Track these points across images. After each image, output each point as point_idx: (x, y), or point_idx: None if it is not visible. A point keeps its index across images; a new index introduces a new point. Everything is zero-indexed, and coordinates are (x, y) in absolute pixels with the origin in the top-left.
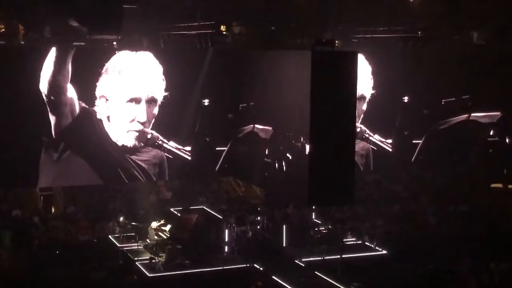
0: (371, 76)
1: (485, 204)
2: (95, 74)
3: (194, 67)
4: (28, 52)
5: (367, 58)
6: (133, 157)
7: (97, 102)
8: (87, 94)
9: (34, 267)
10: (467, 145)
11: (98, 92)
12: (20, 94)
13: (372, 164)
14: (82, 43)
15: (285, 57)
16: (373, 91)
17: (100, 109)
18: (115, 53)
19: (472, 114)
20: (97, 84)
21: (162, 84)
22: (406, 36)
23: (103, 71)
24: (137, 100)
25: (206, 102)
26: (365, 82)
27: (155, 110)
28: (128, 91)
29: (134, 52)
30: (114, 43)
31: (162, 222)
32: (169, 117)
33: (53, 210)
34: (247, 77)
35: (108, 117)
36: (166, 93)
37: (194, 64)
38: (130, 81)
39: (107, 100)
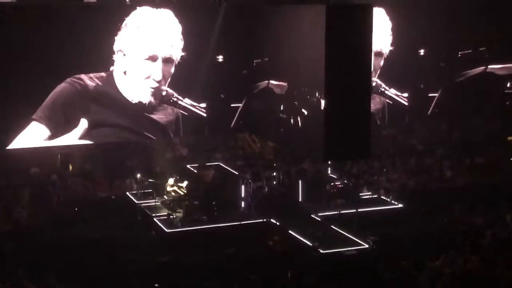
0: (391, 32)
1: (501, 156)
2: (114, 29)
3: (207, 23)
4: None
5: (387, 13)
6: (150, 114)
7: (115, 56)
8: (105, 50)
9: (52, 224)
10: (483, 98)
11: (116, 47)
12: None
13: (387, 118)
14: (94, 1)
15: (300, 11)
16: (391, 48)
17: (117, 64)
18: (135, 8)
19: (489, 66)
20: (115, 38)
21: (180, 43)
22: None
23: (123, 25)
24: (153, 58)
25: (220, 58)
26: (384, 37)
27: (172, 70)
28: (145, 48)
29: (155, 8)
30: (127, 0)
31: (178, 178)
32: (184, 74)
33: (70, 167)
34: (261, 32)
35: (124, 72)
36: (183, 53)
37: (207, 20)
38: (147, 37)
39: (124, 54)
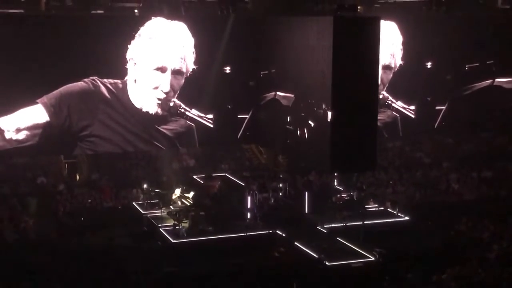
0: (401, 46)
1: (509, 169)
2: (128, 38)
3: (215, 34)
4: (50, 20)
5: (399, 28)
6: (159, 124)
7: (128, 64)
8: (121, 59)
9: (59, 233)
10: (490, 111)
11: (128, 55)
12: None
13: (396, 131)
14: (102, 11)
15: (307, 23)
16: (401, 62)
17: (129, 72)
18: (150, 19)
19: (496, 80)
20: (129, 46)
21: (192, 56)
22: (429, 0)
23: (137, 34)
24: (163, 69)
25: (227, 69)
26: (394, 51)
27: (181, 82)
28: (155, 58)
29: (169, 20)
30: (136, 10)
31: (185, 189)
32: (191, 85)
33: (77, 177)
34: (269, 44)
35: (135, 81)
36: (194, 66)
37: (215, 31)
38: (158, 48)
39: (135, 63)
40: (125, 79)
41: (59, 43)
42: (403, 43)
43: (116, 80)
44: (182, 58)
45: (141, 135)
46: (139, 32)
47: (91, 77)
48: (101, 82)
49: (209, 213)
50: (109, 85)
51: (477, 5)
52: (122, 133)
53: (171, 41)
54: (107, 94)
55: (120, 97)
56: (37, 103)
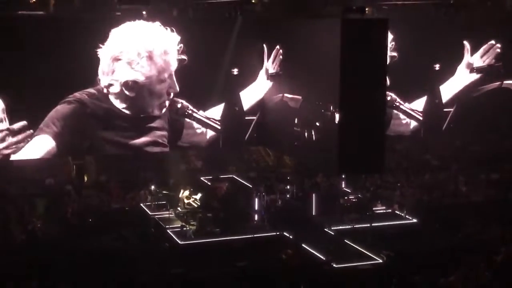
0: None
1: None
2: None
3: (223, 37)
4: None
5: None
6: (162, 125)
7: (120, 87)
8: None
9: (67, 235)
10: (498, 113)
11: (124, 76)
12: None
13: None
14: (119, 13)
15: (315, 25)
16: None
17: (125, 90)
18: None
19: (504, 82)
20: (116, 64)
21: (176, 48)
22: (438, 2)
23: (119, 56)
24: (169, 76)
25: (235, 71)
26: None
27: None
28: (161, 72)
29: (146, 22)
30: (144, 12)
31: (192, 190)
32: (199, 87)
33: (85, 178)
34: (276, 46)
35: (134, 91)
36: (184, 57)
37: (223, 34)
38: (161, 61)
39: (137, 82)
40: (101, 87)
41: None
42: (411, 45)
43: (90, 90)
44: (174, 57)
45: (147, 137)
46: (120, 51)
47: (70, 96)
48: (83, 97)
49: (217, 215)
50: (88, 97)
51: (485, 7)
52: (123, 141)
53: (166, 47)
54: (93, 107)
55: (106, 106)
56: (39, 134)
